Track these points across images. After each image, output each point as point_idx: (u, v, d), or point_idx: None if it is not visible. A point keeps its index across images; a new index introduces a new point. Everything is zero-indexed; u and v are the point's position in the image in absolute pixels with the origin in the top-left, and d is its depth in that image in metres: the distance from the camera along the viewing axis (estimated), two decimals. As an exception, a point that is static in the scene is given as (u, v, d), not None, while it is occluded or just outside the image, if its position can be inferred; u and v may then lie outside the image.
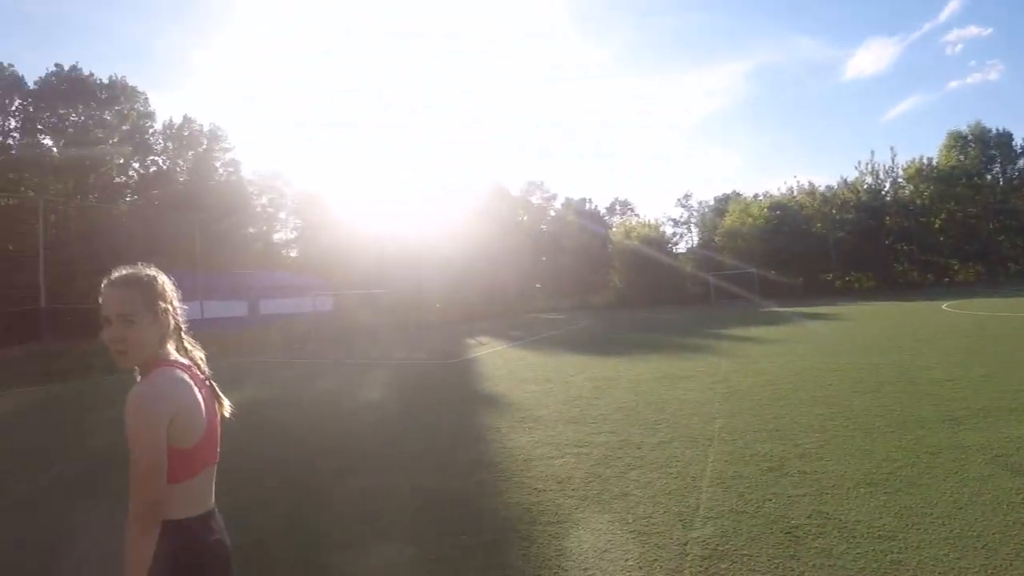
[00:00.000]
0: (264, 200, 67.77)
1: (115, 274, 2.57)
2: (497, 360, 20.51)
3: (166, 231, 39.41)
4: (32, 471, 9.96)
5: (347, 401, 14.79)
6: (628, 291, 65.21)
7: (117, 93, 53.20)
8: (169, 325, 2.61)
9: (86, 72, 52.40)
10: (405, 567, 5.40)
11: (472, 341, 29.01)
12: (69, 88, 50.94)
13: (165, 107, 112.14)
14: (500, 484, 7.33)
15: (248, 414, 13.04)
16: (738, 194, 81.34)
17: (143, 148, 55.18)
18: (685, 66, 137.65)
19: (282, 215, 70.76)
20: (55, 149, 50.16)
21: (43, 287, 28.25)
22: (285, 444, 10.50)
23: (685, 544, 5.36)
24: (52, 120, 50.83)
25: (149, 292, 2.55)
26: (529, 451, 8.73)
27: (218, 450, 2.72)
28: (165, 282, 2.64)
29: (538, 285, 72.99)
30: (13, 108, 50.05)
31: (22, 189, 44.83)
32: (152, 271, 2.61)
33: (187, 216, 39.46)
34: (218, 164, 60.20)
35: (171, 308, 2.63)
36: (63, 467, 10.12)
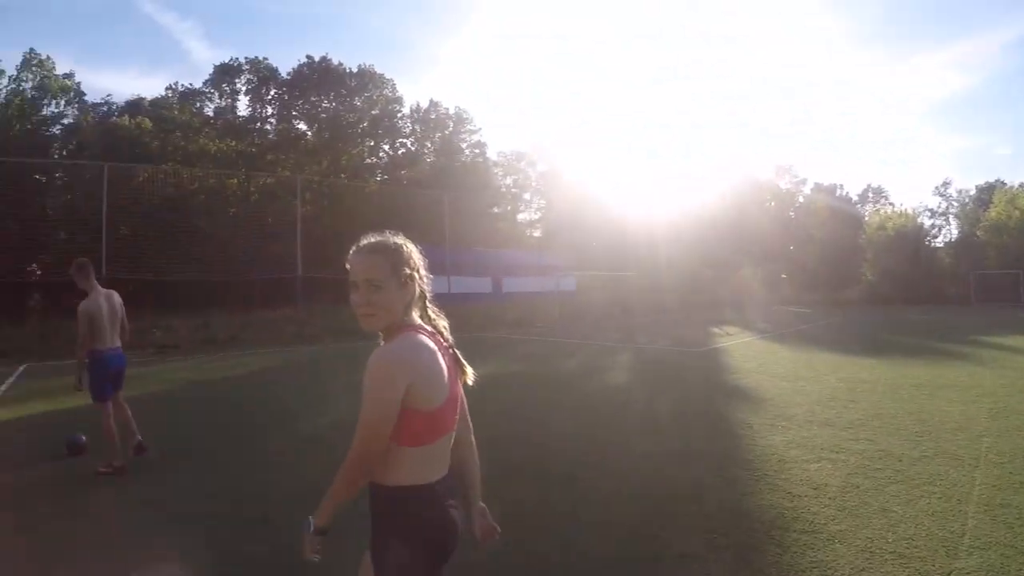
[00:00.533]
0: (509, 181, 68.79)
1: (363, 241, 2.63)
2: (745, 352, 19.73)
3: (415, 208, 40.71)
4: (282, 425, 10.70)
5: (591, 384, 14.64)
6: (880, 287, 59.52)
7: (365, 81, 55.54)
8: (414, 292, 2.64)
9: (335, 62, 54.90)
10: (648, 558, 5.32)
11: (717, 330, 28.09)
12: (320, 78, 53.64)
13: (412, 93, 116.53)
14: (753, 484, 7.12)
15: (489, 389, 13.12)
16: (1003, 183, 71.64)
17: (392, 131, 57.33)
18: (937, 39, 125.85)
19: (526, 195, 71.46)
20: (309, 133, 53.53)
21: (299, 258, 29.75)
22: (526, 424, 10.47)
23: (948, 574, 4.89)
24: (305, 107, 53.90)
25: (395, 259, 2.58)
26: (782, 452, 8.41)
27: (457, 418, 2.73)
28: (412, 250, 2.67)
29: (784, 276, 69.43)
30: (269, 97, 53.54)
31: (279, 170, 47.95)
32: (399, 239, 2.65)
33: (435, 194, 40.71)
34: (464, 146, 61.57)
35: (417, 275, 2.66)
36: (305, 425, 10.74)
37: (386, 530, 2.54)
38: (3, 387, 15.85)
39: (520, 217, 71.47)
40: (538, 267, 48.50)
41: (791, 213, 75.34)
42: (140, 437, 8.81)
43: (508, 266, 48.07)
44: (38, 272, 31.82)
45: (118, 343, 8.44)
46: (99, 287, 8.36)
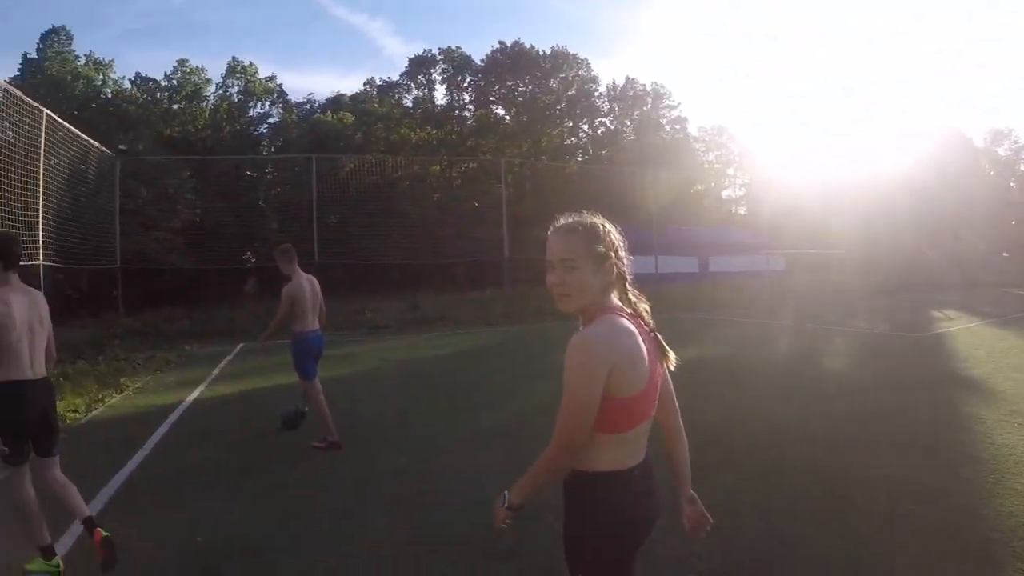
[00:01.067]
0: (711, 156, 66.95)
1: (560, 221, 2.58)
2: (971, 339, 17.68)
3: (616, 188, 39.86)
4: (494, 405, 10.55)
5: (807, 370, 13.60)
6: (1120, 268, 51.20)
7: (559, 62, 55.23)
8: (611, 273, 2.53)
9: (527, 46, 54.71)
10: (865, 560, 4.82)
11: (937, 314, 25.59)
12: (514, 62, 53.77)
13: (607, 72, 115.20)
14: (990, 486, 6.25)
15: (699, 372, 12.81)
16: None
17: (590, 111, 56.82)
18: None
19: (729, 171, 69.31)
20: (507, 118, 53.45)
21: (506, 239, 29.65)
22: (742, 411, 9.81)
23: None
24: (502, 92, 54.13)
25: (590, 238, 2.51)
26: (1021, 452, 7.30)
27: (655, 405, 2.60)
28: (608, 230, 2.57)
29: (1006, 254, 62.26)
30: (465, 84, 54.17)
31: (480, 154, 48.11)
32: (595, 219, 2.57)
33: (637, 173, 39.56)
34: (664, 122, 60.40)
35: (614, 256, 2.54)
36: (516, 403, 10.49)
37: (579, 515, 2.51)
38: (222, 364, 16.65)
39: (724, 194, 69.47)
40: (744, 245, 46.55)
41: (1011, 183, 68.37)
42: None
43: (714, 245, 46.61)
44: (253, 259, 33.36)
45: (317, 325, 8.78)
46: (301, 272, 8.65)
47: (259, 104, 50.78)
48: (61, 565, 5.08)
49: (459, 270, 36.21)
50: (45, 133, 18.97)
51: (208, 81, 49.08)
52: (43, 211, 18.25)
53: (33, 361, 5.06)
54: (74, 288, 29.68)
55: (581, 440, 2.36)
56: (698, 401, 10.01)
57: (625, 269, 2.60)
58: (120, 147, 28.91)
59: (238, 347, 19.80)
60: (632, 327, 2.48)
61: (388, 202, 35.14)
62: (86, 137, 23.18)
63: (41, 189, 18.33)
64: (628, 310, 2.57)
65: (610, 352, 2.35)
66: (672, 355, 2.66)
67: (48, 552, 5.08)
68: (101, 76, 45.27)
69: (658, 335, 2.64)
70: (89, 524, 5.09)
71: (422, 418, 10.08)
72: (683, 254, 41.49)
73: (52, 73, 42.54)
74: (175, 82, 47.87)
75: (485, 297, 28.72)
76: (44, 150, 18.80)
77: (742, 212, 67.71)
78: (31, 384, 5.02)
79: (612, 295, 2.56)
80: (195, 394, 12.85)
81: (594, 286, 2.49)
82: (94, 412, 11.58)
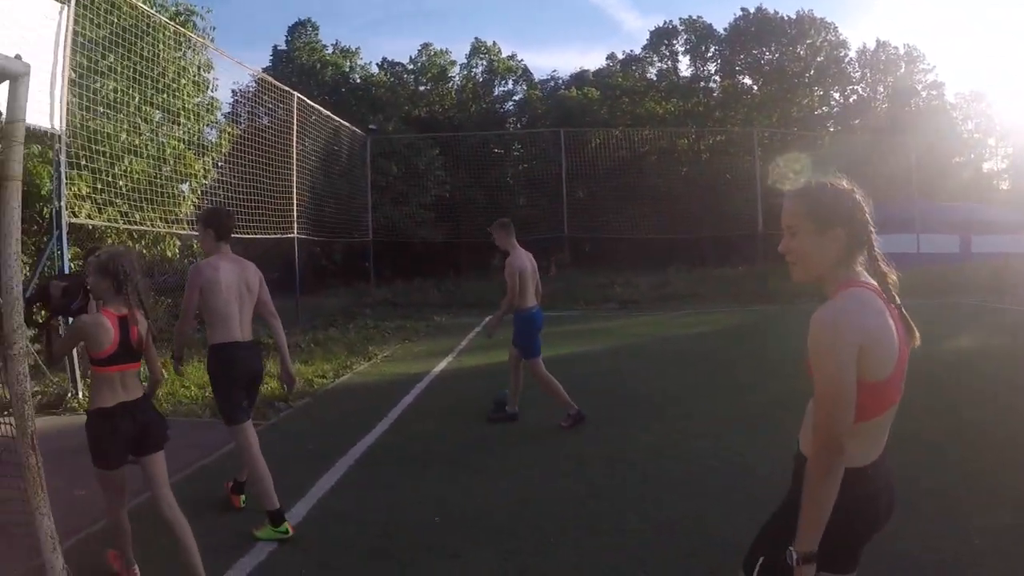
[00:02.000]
0: (970, 125, 60.99)
1: (793, 186, 2.47)
2: None
3: (872, 159, 37.04)
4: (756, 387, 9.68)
5: None
6: None
7: (805, 27, 52.15)
8: (839, 240, 2.33)
9: (771, 11, 51.99)
10: None
11: None
12: (758, 29, 51.33)
13: (855, 35, 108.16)
14: None
15: (979, 363, 11.54)
16: None
17: (840, 78, 53.36)
18: None
19: (990, 141, 62.88)
20: (755, 87, 51.13)
21: (760, 213, 28.27)
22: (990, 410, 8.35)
23: None
24: (747, 61, 51.84)
25: (812, 202, 2.38)
26: None
27: (903, 388, 2.33)
28: (840, 194, 2.37)
29: None
30: (709, 54, 52.16)
31: (728, 126, 46.33)
32: (827, 182, 2.40)
33: (892, 143, 36.55)
34: (919, 87, 55.78)
35: (847, 222, 2.34)
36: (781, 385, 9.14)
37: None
38: (470, 335, 16.50)
39: (986, 166, 63.08)
40: (1010, 223, 41.75)
41: None
42: None
43: (975, 222, 42.06)
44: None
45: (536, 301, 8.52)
46: (520, 247, 8.50)
47: (503, 83, 51.06)
48: (291, 530, 5.13)
49: (708, 245, 34.85)
50: (297, 116, 19.71)
51: (452, 63, 49.77)
52: (297, 188, 19.05)
53: (242, 325, 5.45)
54: (328, 259, 31.13)
55: (845, 429, 2.18)
56: (963, 394, 8.98)
57: (868, 237, 2.39)
58: (370, 126, 29.91)
59: (486, 319, 19.42)
60: (879, 302, 2.31)
61: (635, 176, 34.25)
62: (337, 118, 24.01)
63: (295, 168, 19.01)
64: (873, 283, 2.38)
65: (856, 330, 2.19)
66: (917, 332, 2.43)
67: (276, 517, 5.15)
68: (348, 63, 46.88)
69: (904, 311, 2.41)
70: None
71: (680, 396, 9.36)
72: (942, 232, 37.87)
73: (302, 62, 44.55)
74: (420, 65, 48.93)
75: (736, 274, 27.21)
76: (296, 132, 19.50)
77: (1004, 187, 61.24)
78: (242, 346, 5.44)
79: (855, 266, 2.39)
80: (442, 365, 12.68)
81: (821, 254, 2.36)
82: (342, 378, 11.62)
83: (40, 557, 3.48)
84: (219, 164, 16.75)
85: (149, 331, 4.42)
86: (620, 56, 53.95)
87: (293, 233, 18.71)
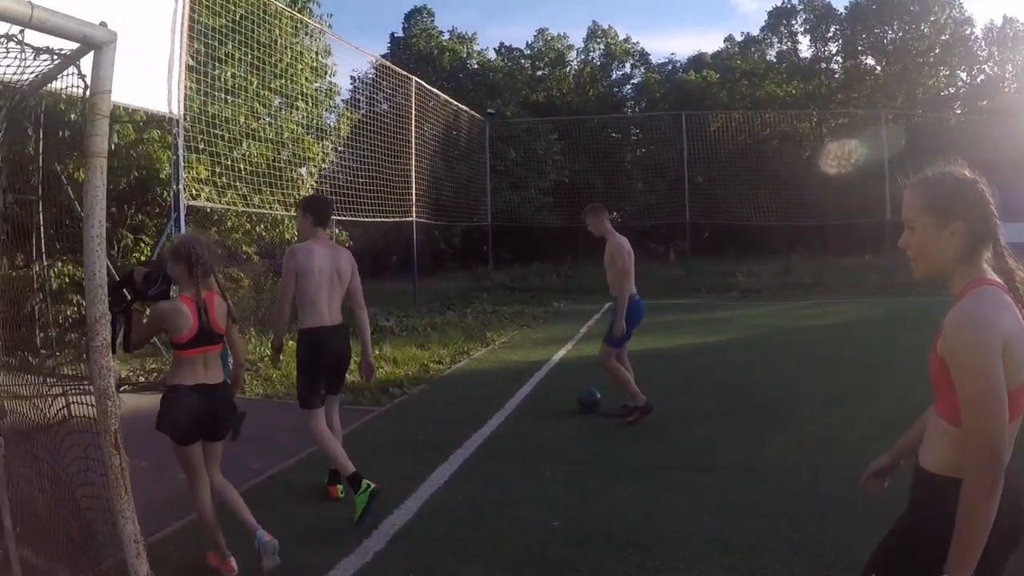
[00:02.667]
0: (1108, 106, 56.86)
1: (913, 177, 2.28)
2: None
3: (1001, 143, 34.78)
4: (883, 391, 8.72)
5: None
6: None
7: (929, 3, 49.44)
8: (962, 235, 2.13)
9: (894, -12, 49.59)
10: None
11: None
12: (879, 7, 49.00)
13: (982, 10, 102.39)
14: None
15: None
16: None
17: (967, 57, 50.48)
18: None
19: None
20: (878, 68, 48.96)
21: (888, 200, 26.67)
22: None
23: None
24: (870, 40, 49.60)
25: (930, 195, 2.19)
26: None
27: None
28: (962, 186, 2.16)
29: None
30: (830, 35, 50.14)
31: (852, 109, 44.35)
32: (948, 172, 2.20)
33: (1018, 126, 34.31)
34: (1052, 66, 52.01)
35: (968, 215, 2.14)
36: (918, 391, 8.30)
37: (932, 521, 2.10)
38: (589, 323, 16.36)
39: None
40: None
41: None
42: None
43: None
44: (619, 220, 32.59)
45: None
46: (615, 232, 8.01)
47: (620, 66, 50.19)
48: (371, 485, 5.07)
49: (831, 233, 33.30)
50: (416, 101, 19.61)
51: (570, 47, 49.19)
52: (416, 172, 18.96)
53: (330, 309, 5.56)
54: (447, 243, 30.95)
55: (1003, 433, 1.97)
56: None
57: (993, 231, 2.20)
58: (489, 111, 29.60)
59: (605, 306, 19.01)
60: (1011, 301, 2.12)
61: (757, 160, 33.12)
62: (455, 102, 23.78)
63: (413, 152, 18.91)
64: (999, 280, 2.19)
65: (998, 332, 1.99)
66: None
67: (354, 480, 5.13)
68: (465, 49, 46.84)
69: None
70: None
71: (809, 400, 8.57)
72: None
73: (419, 49, 44.56)
74: (537, 50, 48.51)
75: (862, 263, 25.93)
76: (415, 116, 19.42)
77: None
78: (329, 330, 5.53)
79: (981, 262, 2.20)
80: (561, 353, 12.20)
81: (941, 250, 2.20)
82: (458, 364, 11.26)
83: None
84: (338, 148, 16.78)
85: (229, 314, 4.45)
86: (738, 38, 52.54)
87: (412, 216, 18.72)
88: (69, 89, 3.49)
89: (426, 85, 20.87)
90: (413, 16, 47.28)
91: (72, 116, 11.05)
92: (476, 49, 47.73)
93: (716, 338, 13.50)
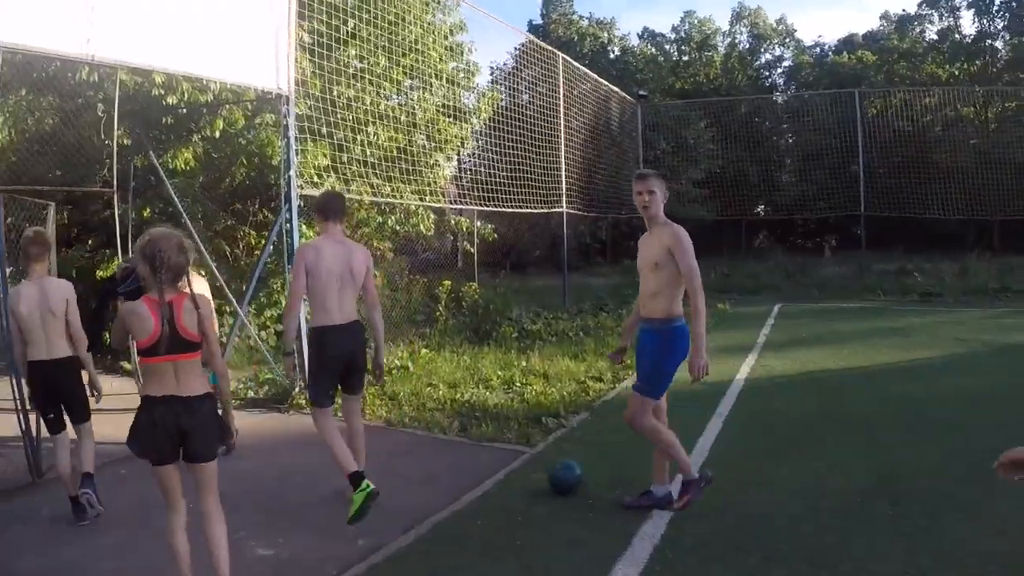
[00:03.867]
0: None
1: None
2: None
3: None
4: None
5: None
6: None
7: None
8: None
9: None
10: None
11: None
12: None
13: None
14: None
15: None
16: None
17: None
18: None
19: None
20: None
21: None
22: None
23: None
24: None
25: None
26: None
27: None
28: None
29: None
30: (995, 8, 44.60)
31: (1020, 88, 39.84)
32: None
33: None
34: None
35: None
36: None
37: None
38: (763, 331, 13.92)
39: None
40: None
41: None
42: None
43: None
44: (766, 211, 31.55)
45: None
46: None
47: (769, 48, 47.60)
48: (371, 486, 4.85)
49: (1011, 229, 29.22)
50: (563, 81, 17.61)
51: (716, 30, 47.04)
52: (566, 159, 17.11)
53: (341, 306, 5.28)
54: (593, 237, 29.38)
55: None
56: None
57: None
58: (640, 93, 27.20)
59: (775, 307, 16.96)
60: None
61: (925, 148, 29.70)
62: (606, 83, 21.63)
63: (562, 137, 17.08)
64: None
65: None
66: None
67: (355, 478, 4.92)
68: (606, 34, 45.48)
69: None
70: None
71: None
72: None
73: (558, 35, 43.12)
74: (682, 34, 46.59)
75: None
76: (563, 96, 17.49)
77: None
78: (339, 329, 5.25)
79: None
80: (746, 368, 10.09)
81: None
82: (623, 382, 9.15)
83: None
84: (479, 134, 15.01)
85: (202, 320, 3.87)
86: (893, 16, 48.24)
87: (562, 207, 17.13)
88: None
89: (574, 63, 18.83)
90: (551, 2, 46.25)
91: (170, 100, 9.72)
92: (616, 34, 46.38)
93: (915, 356, 10.93)
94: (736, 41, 47.26)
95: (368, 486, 4.80)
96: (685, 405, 6.88)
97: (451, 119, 13.42)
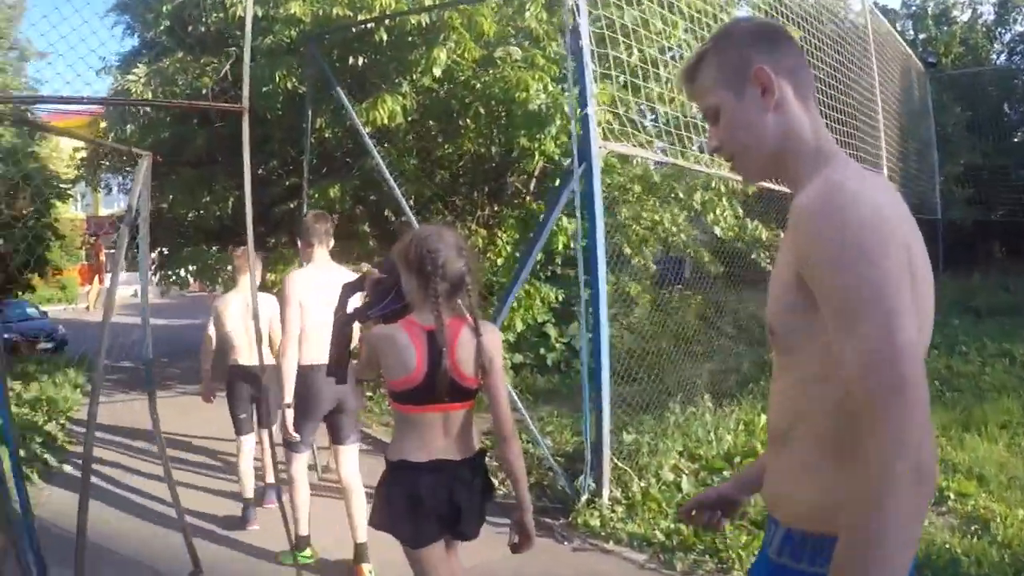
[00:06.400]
0: None
1: None
2: None
3: None
4: None
5: None
6: None
7: None
8: None
9: None
10: None
11: None
12: None
13: None
14: None
15: None
16: None
17: None
18: None
19: None
20: None
21: None
22: None
23: None
24: None
25: None
26: None
27: None
28: None
29: None
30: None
31: None
32: None
33: None
34: None
35: None
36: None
37: None
38: None
39: None
40: None
41: None
42: None
43: None
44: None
45: None
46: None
47: (1021, 20, 38.67)
48: (316, 554, 4.59)
49: None
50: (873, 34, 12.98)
51: (955, 3, 39.57)
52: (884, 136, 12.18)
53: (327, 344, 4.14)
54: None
55: None
56: None
57: None
58: (930, 60, 21.68)
59: None
60: None
61: None
62: (906, 47, 16.90)
63: (880, 105, 12.15)
64: None
65: None
66: None
67: (302, 542, 4.55)
68: (841, 11, 39.87)
69: None
70: (359, 553, 4.30)
71: None
72: None
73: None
74: (915, 9, 40.04)
75: None
76: (876, 57, 12.69)
77: None
78: (323, 369, 3.97)
79: None
80: None
81: None
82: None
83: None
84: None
85: (484, 353, 2.60)
86: None
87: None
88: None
89: (879, 14, 13.74)
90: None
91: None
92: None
93: None
94: (977, 12, 40.18)
95: (311, 556, 4.52)
96: None
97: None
